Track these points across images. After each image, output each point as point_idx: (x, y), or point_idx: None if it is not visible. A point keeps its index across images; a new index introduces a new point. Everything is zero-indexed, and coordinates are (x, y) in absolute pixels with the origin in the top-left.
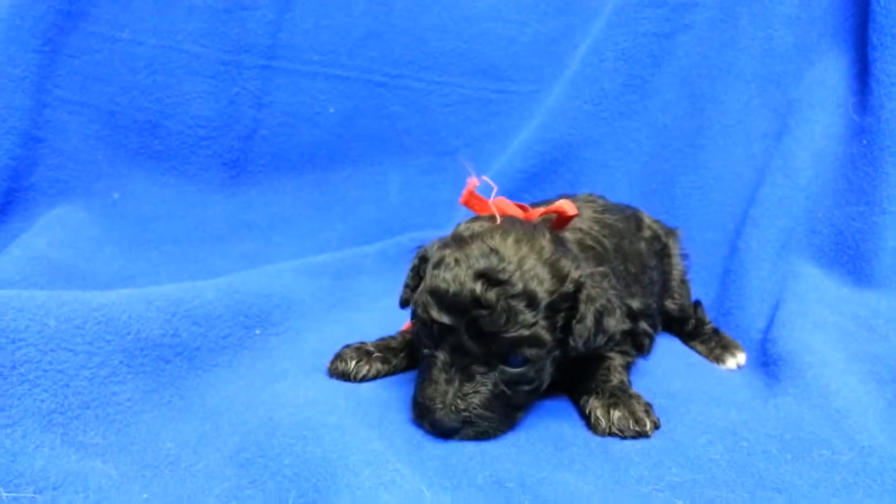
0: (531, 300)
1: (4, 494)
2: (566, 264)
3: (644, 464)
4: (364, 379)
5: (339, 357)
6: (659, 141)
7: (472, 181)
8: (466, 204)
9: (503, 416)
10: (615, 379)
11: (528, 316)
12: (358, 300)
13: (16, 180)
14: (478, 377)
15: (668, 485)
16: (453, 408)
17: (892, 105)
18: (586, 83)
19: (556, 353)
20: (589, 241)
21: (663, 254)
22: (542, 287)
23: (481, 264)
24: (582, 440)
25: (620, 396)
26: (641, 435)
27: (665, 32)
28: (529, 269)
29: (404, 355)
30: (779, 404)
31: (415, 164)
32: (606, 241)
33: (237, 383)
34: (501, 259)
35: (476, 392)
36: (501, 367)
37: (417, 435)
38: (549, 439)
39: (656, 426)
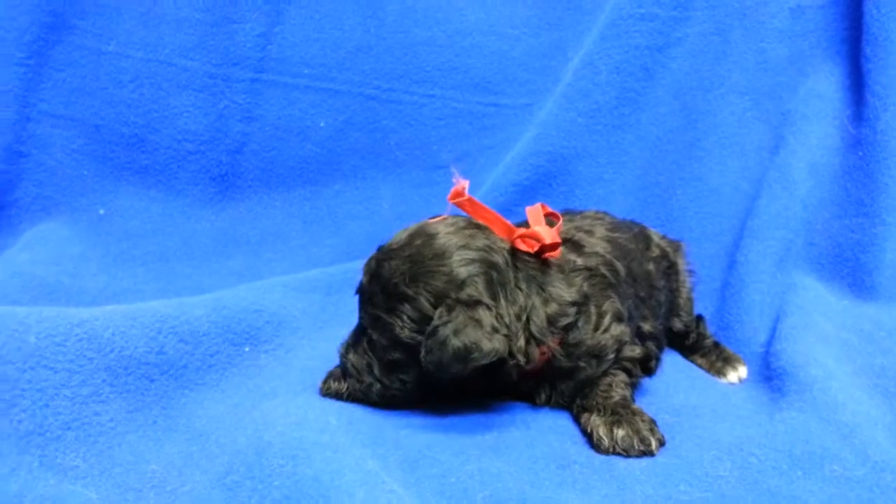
0: (389, 291)
1: None
2: (453, 279)
3: (650, 482)
4: None
5: (331, 375)
6: (653, 154)
7: (461, 182)
8: (459, 206)
9: (367, 385)
10: (617, 395)
11: (384, 303)
12: (350, 316)
13: None
14: (360, 338)
15: (675, 503)
16: (342, 349)
17: (888, 116)
18: (580, 96)
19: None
20: (601, 269)
21: (671, 272)
22: (405, 285)
23: (387, 242)
24: (585, 458)
25: (623, 413)
26: (646, 454)
27: (658, 46)
28: (406, 265)
29: None
30: (786, 418)
31: (407, 178)
32: (619, 265)
33: (225, 402)
34: (398, 242)
35: (356, 352)
36: (370, 337)
37: (413, 453)
38: (551, 458)
39: (661, 444)
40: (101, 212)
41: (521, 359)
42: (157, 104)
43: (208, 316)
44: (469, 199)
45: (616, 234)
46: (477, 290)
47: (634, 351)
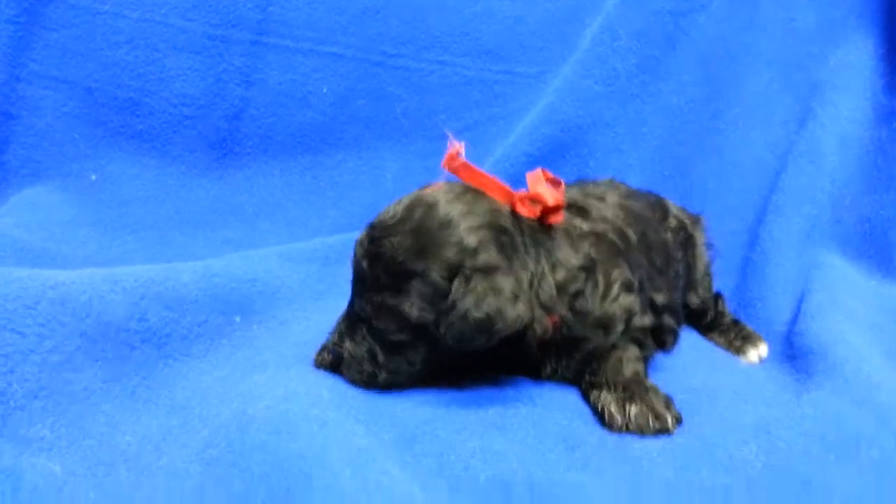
0: (394, 270)
1: None
2: (465, 247)
3: (669, 465)
4: None
5: (325, 348)
6: (673, 125)
7: (455, 146)
8: (453, 171)
9: (369, 373)
10: (629, 370)
11: (389, 284)
12: (348, 289)
13: None
14: (357, 325)
15: (698, 489)
16: (335, 338)
17: None
18: (597, 63)
19: (435, 336)
20: (609, 235)
21: (689, 245)
22: (412, 261)
23: (378, 218)
24: (596, 438)
25: (636, 390)
26: (663, 431)
27: (681, 11)
28: (411, 239)
29: None
30: (815, 400)
31: (412, 148)
32: (630, 232)
33: (212, 374)
34: (394, 217)
35: (353, 339)
36: (371, 323)
37: (410, 429)
38: (559, 437)
39: (679, 422)
40: (93, 177)
41: (538, 328)
42: (153, 66)
43: (197, 283)
44: (463, 164)
45: (630, 202)
46: (491, 255)
47: (644, 321)
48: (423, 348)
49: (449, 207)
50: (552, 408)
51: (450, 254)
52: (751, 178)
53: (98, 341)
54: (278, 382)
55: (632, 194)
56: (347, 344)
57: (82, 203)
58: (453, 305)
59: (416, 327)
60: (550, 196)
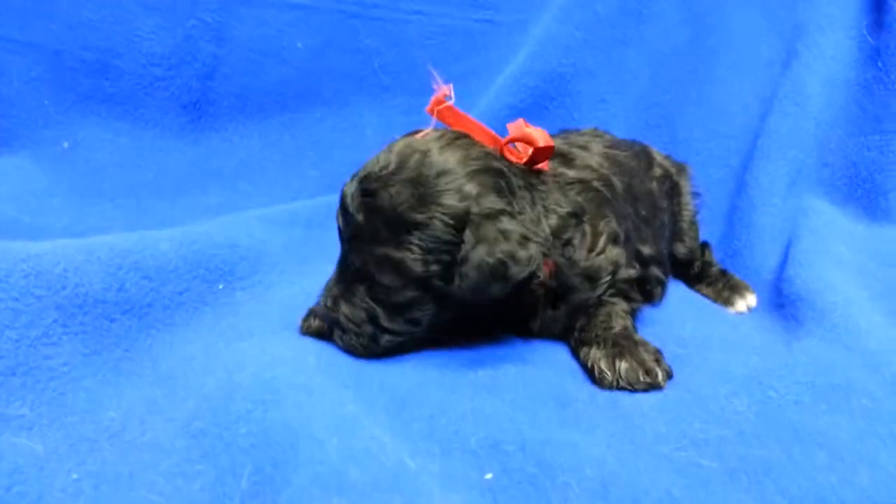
0: (394, 222)
1: None
2: (467, 194)
3: (661, 419)
4: None
5: (312, 313)
6: (658, 71)
7: (442, 89)
8: (438, 116)
9: (370, 335)
10: (618, 325)
11: (389, 237)
12: (333, 251)
13: None
14: (354, 286)
15: (691, 442)
16: (328, 302)
17: None
18: (578, 8)
19: (442, 290)
20: (595, 183)
21: (674, 193)
22: (414, 212)
23: (368, 169)
24: (587, 395)
25: (625, 345)
26: (653, 387)
27: None
28: (409, 189)
29: None
30: (805, 348)
31: (393, 103)
32: (616, 181)
33: (196, 343)
34: (387, 167)
35: (349, 302)
36: (372, 282)
37: (400, 393)
38: (550, 395)
39: (669, 376)
40: (65, 144)
41: (540, 273)
42: (121, 26)
43: (176, 251)
44: (449, 108)
45: (614, 151)
46: (493, 200)
47: (630, 273)
48: (430, 306)
49: (444, 154)
50: (542, 366)
51: (452, 201)
52: (737, 125)
53: (76, 314)
54: (264, 349)
55: (616, 143)
56: (343, 307)
57: (55, 171)
58: (466, 256)
59: (422, 282)
60: (541, 138)
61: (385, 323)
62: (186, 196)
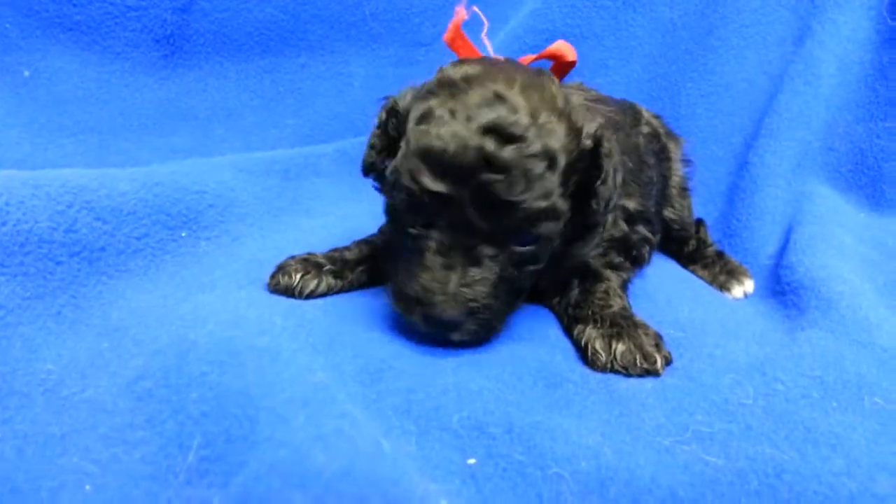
0: (551, 161)
1: None
2: (579, 116)
3: (660, 408)
4: (311, 296)
5: (281, 269)
6: (664, 40)
7: (460, 12)
8: (452, 44)
9: (506, 304)
10: (616, 304)
11: (549, 181)
12: (311, 204)
13: None
14: (485, 260)
15: (694, 436)
16: (457, 298)
17: None
18: None
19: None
20: None
21: (662, 156)
22: (561, 144)
23: (489, 116)
24: (578, 376)
25: (624, 325)
26: (651, 373)
27: None
28: (545, 122)
29: (362, 269)
30: (811, 339)
31: (383, 53)
32: None
33: (152, 293)
34: (513, 109)
35: (484, 278)
36: (512, 246)
37: (375, 362)
38: (539, 374)
39: (668, 362)
40: (26, 73)
41: None
42: None
43: (136, 192)
44: (461, 36)
45: (598, 105)
46: (589, 125)
47: (613, 233)
48: (551, 244)
49: (524, 92)
50: (531, 342)
51: (565, 140)
52: (741, 101)
53: (15, 253)
54: (226, 305)
55: (601, 98)
56: (478, 292)
57: (14, 101)
58: (605, 176)
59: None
60: (570, 52)
61: (504, 289)
62: (153, 136)
